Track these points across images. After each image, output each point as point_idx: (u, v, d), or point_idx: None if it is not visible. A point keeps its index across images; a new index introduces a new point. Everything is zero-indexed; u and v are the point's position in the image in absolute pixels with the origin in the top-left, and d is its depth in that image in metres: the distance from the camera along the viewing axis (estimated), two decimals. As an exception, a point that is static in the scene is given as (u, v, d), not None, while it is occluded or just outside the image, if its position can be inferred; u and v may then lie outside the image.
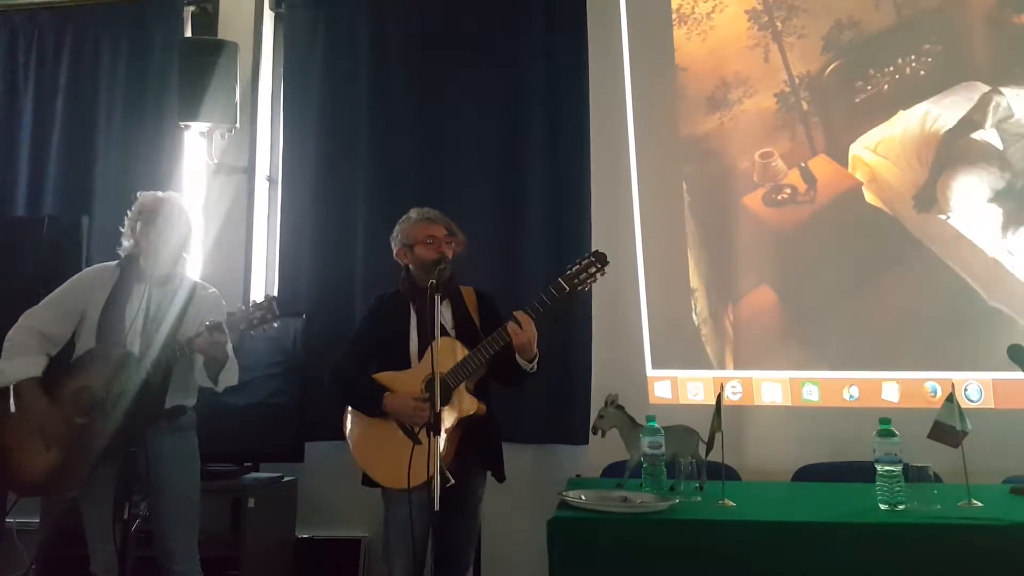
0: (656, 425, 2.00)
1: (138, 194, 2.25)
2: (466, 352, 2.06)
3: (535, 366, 2.08)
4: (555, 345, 2.67)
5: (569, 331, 2.93)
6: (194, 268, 3.10)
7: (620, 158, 3.06)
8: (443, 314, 2.13)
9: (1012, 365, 2.04)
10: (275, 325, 2.06)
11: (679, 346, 2.98)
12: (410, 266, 2.20)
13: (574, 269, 2.05)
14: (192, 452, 2.19)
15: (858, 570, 1.65)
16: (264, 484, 2.81)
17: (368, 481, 2.11)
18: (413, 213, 2.24)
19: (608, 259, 2.05)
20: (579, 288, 2.04)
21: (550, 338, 2.18)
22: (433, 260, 2.09)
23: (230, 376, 2.14)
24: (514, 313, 2.02)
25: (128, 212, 2.22)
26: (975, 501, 1.83)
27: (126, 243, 2.20)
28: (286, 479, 2.93)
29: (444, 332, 2.09)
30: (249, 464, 2.88)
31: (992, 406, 2.69)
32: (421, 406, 2.00)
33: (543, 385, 2.67)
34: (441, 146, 3.17)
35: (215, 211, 3.29)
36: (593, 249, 2.13)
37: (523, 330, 2.00)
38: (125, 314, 2.11)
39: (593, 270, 2.05)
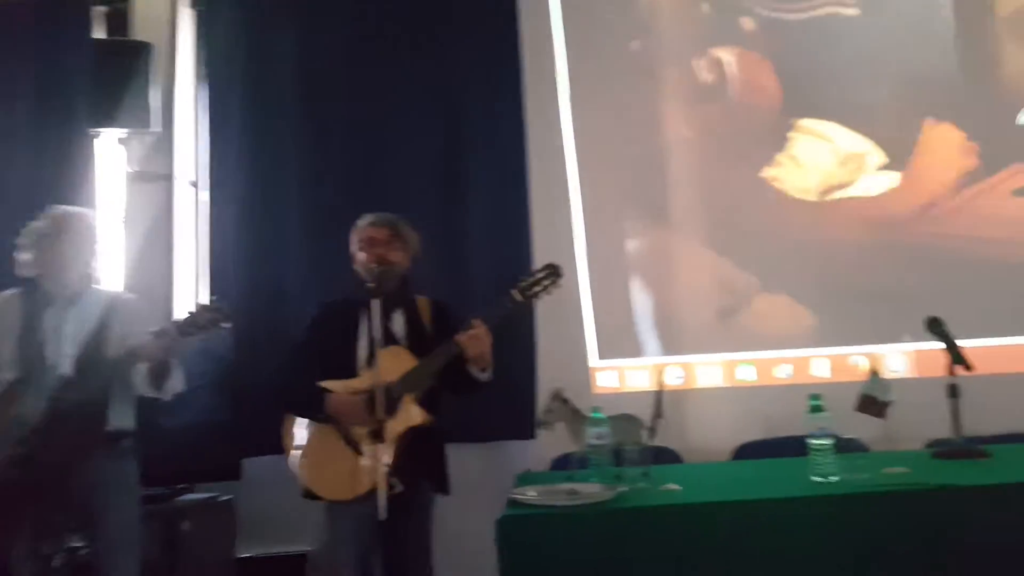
0: (601, 416, 2.01)
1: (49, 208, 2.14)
2: (415, 362, 2.02)
3: (490, 375, 2.06)
4: (498, 340, 2.66)
5: (511, 326, 2.91)
6: (115, 280, 2.95)
7: (557, 149, 3.06)
8: (396, 322, 2.11)
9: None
10: (225, 326, 2.01)
11: (623, 335, 3.01)
12: (361, 272, 2.15)
13: (529, 281, 2.07)
14: (134, 478, 2.12)
15: (799, 541, 1.69)
16: (199, 505, 2.71)
17: (310, 494, 2.04)
18: (360, 219, 2.18)
19: (563, 271, 2.09)
20: (531, 299, 2.07)
21: (494, 336, 2.16)
22: (371, 264, 2.05)
23: (176, 383, 2.09)
24: (472, 321, 2.00)
25: (23, 230, 2.10)
26: (902, 468, 1.91)
27: (24, 257, 2.08)
28: (222, 498, 2.82)
29: (395, 341, 2.06)
30: (183, 486, 2.76)
31: (916, 375, 2.83)
32: (362, 402, 1.93)
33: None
34: (374, 147, 3.09)
35: (138, 221, 3.13)
36: (546, 262, 2.14)
37: (478, 341, 1.97)
38: (43, 339, 2.01)
39: (547, 282, 2.08)
